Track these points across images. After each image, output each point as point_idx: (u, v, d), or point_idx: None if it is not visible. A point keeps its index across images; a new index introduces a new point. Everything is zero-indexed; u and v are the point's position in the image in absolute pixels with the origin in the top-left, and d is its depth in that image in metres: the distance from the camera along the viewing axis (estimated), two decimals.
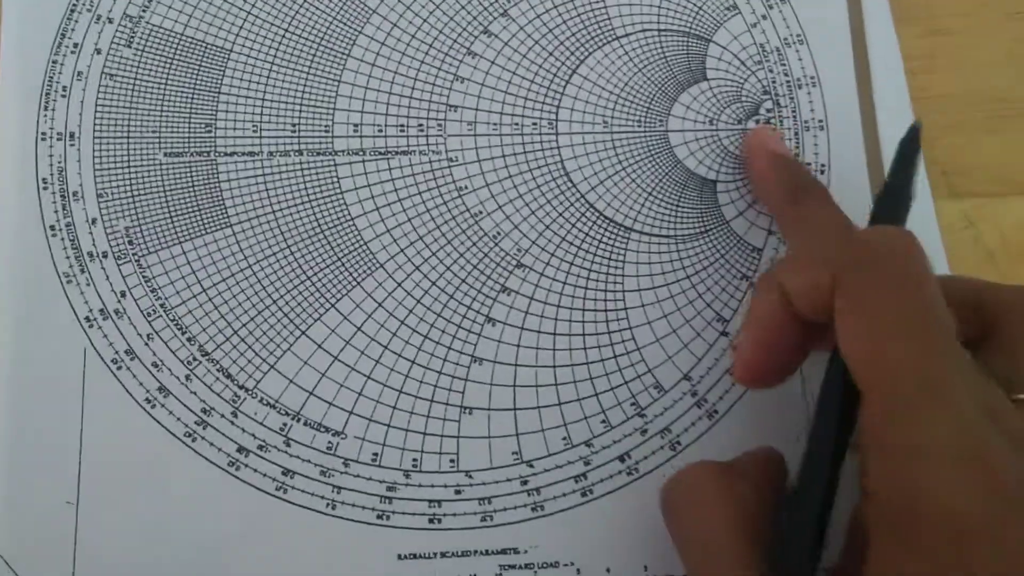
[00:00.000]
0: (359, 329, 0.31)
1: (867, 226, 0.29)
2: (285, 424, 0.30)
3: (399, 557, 0.30)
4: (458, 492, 0.30)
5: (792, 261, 0.28)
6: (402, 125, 0.34)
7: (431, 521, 0.30)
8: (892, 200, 0.29)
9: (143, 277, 0.31)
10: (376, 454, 0.30)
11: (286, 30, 0.34)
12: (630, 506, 0.31)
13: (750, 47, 0.36)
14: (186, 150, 0.32)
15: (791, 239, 0.31)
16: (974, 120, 0.37)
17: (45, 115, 0.32)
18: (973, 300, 0.26)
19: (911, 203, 0.29)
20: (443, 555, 0.30)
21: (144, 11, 0.34)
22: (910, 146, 0.30)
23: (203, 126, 0.33)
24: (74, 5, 0.33)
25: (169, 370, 0.30)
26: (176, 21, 0.34)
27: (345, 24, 0.34)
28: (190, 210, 0.32)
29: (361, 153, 0.33)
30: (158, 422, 0.30)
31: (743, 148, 0.34)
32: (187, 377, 0.30)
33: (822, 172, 0.35)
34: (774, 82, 0.36)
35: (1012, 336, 0.24)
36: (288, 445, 0.30)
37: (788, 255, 0.28)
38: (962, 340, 0.23)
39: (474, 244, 0.33)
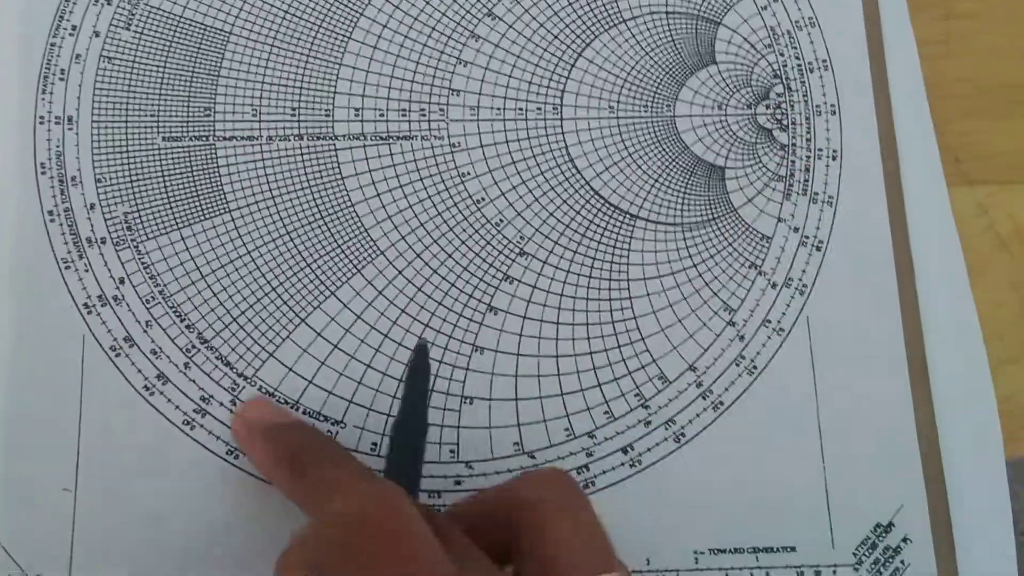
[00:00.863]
0: (359, 317, 0.31)
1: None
2: None
3: None
4: (458, 483, 0.30)
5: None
6: (404, 109, 0.33)
7: None
8: (408, 434, 0.26)
9: (142, 263, 0.31)
10: (376, 444, 0.30)
11: (286, 12, 0.33)
12: (633, 499, 0.30)
13: (760, 30, 0.35)
14: (185, 134, 0.32)
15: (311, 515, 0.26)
16: (989, 106, 0.36)
17: (43, 99, 0.32)
18: (499, 510, 0.24)
19: (426, 431, 0.26)
20: None
21: None
22: (420, 368, 0.27)
23: (202, 110, 0.32)
24: None
25: (168, 358, 0.30)
26: (175, 3, 0.33)
27: (346, 6, 0.34)
28: (189, 195, 0.32)
29: (362, 138, 0.33)
30: (157, 410, 0.30)
31: (234, 435, 0.29)
32: (186, 365, 0.30)
33: (834, 158, 0.34)
34: (785, 66, 0.35)
35: (528, 540, 0.22)
36: None
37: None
38: (504, 552, 0.22)
39: (476, 231, 0.32)
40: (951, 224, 0.34)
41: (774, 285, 0.33)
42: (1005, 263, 0.34)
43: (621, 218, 0.33)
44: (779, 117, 0.34)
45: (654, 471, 0.31)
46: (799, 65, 0.35)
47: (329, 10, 0.34)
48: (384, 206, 0.32)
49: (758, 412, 0.31)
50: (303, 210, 0.32)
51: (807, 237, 0.33)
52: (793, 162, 0.34)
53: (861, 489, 0.31)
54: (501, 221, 0.33)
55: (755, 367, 0.32)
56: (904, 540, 0.30)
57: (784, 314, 0.32)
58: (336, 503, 0.23)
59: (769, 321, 0.32)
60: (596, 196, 0.33)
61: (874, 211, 0.33)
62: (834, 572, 0.30)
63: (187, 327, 0.30)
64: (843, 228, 0.33)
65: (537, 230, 0.33)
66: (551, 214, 0.33)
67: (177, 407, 0.30)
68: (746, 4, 0.35)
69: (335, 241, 0.32)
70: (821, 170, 0.34)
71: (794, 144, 0.34)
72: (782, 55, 0.35)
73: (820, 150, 0.34)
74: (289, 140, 0.32)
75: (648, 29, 0.35)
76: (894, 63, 0.35)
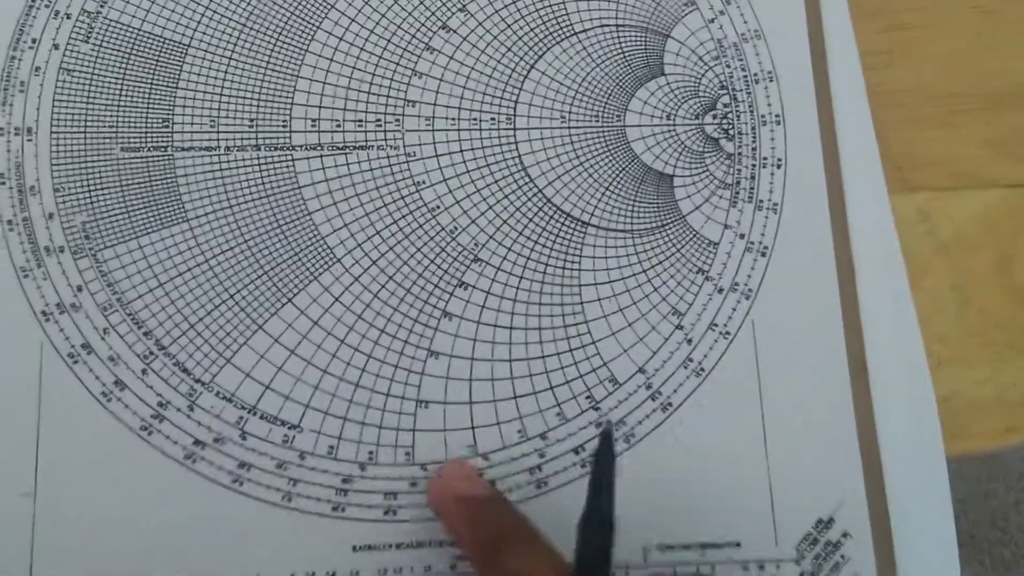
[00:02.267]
0: (316, 323, 0.32)
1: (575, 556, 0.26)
2: (241, 418, 0.31)
3: (354, 549, 0.30)
4: (413, 484, 0.31)
5: None
6: (360, 120, 0.34)
7: (386, 513, 0.30)
8: (595, 531, 0.26)
9: (100, 272, 0.31)
10: (332, 447, 0.31)
11: (244, 25, 0.34)
12: (584, 498, 0.31)
13: (708, 42, 0.36)
14: (143, 145, 0.33)
15: None
16: (930, 115, 0.37)
17: (3, 110, 0.32)
18: None
19: (614, 530, 0.25)
20: (398, 547, 0.30)
21: (102, 6, 0.34)
22: (605, 454, 0.27)
23: (160, 121, 0.33)
24: (32, 1, 0.33)
25: (125, 364, 0.31)
26: (134, 16, 0.34)
27: (303, 19, 0.34)
28: (147, 205, 0.32)
29: (319, 148, 0.33)
30: (114, 416, 0.30)
31: (429, 497, 0.30)
32: (143, 371, 0.31)
33: (779, 167, 0.35)
34: (731, 77, 0.36)
35: None
36: (244, 438, 0.30)
37: None
38: None
39: (431, 239, 0.33)
40: (891, 229, 0.35)
41: (720, 290, 0.34)
42: (945, 267, 0.36)
43: (573, 225, 0.34)
44: (726, 127, 0.36)
45: None
46: (745, 77, 0.36)
47: (286, 23, 0.34)
48: (341, 214, 0.33)
49: (706, 414, 0.32)
50: (261, 219, 0.33)
51: (752, 243, 0.34)
52: (739, 170, 0.35)
53: (803, 486, 0.32)
54: (456, 228, 0.33)
55: (703, 369, 0.33)
56: (844, 535, 0.31)
57: (730, 318, 0.33)
58: None
59: (716, 325, 0.33)
60: (549, 204, 0.34)
61: (817, 218, 0.34)
62: (777, 566, 0.31)
63: (145, 334, 0.31)
64: (787, 234, 0.34)
65: (491, 237, 0.33)
66: (505, 221, 0.34)
67: (135, 413, 0.30)
68: (694, 17, 0.36)
69: (292, 249, 0.32)
70: (766, 178, 0.35)
71: (740, 153, 0.35)
72: (729, 67, 0.36)
73: (765, 159, 0.35)
74: (247, 151, 0.33)
75: (599, 41, 0.36)
76: (837, 74, 0.36)
